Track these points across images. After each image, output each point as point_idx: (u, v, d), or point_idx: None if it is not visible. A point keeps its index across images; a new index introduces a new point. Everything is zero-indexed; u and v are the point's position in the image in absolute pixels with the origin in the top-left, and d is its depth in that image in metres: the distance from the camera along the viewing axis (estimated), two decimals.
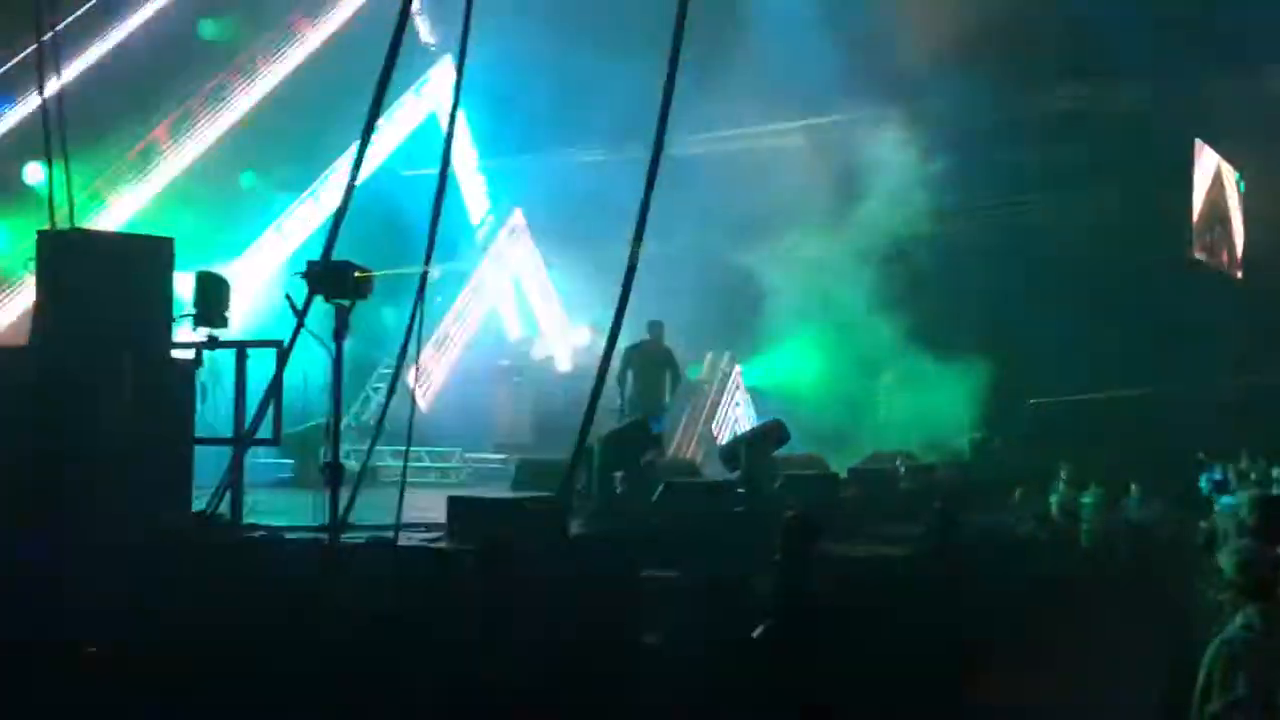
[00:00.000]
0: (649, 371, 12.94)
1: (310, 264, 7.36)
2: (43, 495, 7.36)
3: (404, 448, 8.13)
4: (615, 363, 12.39)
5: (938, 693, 8.37)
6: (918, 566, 9.44)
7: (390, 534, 7.76)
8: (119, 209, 14.14)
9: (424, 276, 7.44)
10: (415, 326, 7.43)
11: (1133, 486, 13.77)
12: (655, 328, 13.14)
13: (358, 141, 7.73)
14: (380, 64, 7.38)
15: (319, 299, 7.32)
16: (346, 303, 7.13)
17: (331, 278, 7.08)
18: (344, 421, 12.13)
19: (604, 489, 9.37)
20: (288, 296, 7.29)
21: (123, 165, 14.40)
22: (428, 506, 8.55)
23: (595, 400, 8.00)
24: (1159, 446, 16.27)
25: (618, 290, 8.13)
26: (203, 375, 8.04)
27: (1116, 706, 9.22)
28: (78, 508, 7.34)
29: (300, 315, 7.10)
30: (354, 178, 7.13)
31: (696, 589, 8.05)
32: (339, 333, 7.12)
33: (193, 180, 15.05)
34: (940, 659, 8.74)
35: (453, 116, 8.04)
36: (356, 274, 7.09)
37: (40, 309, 8.35)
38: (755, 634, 6.02)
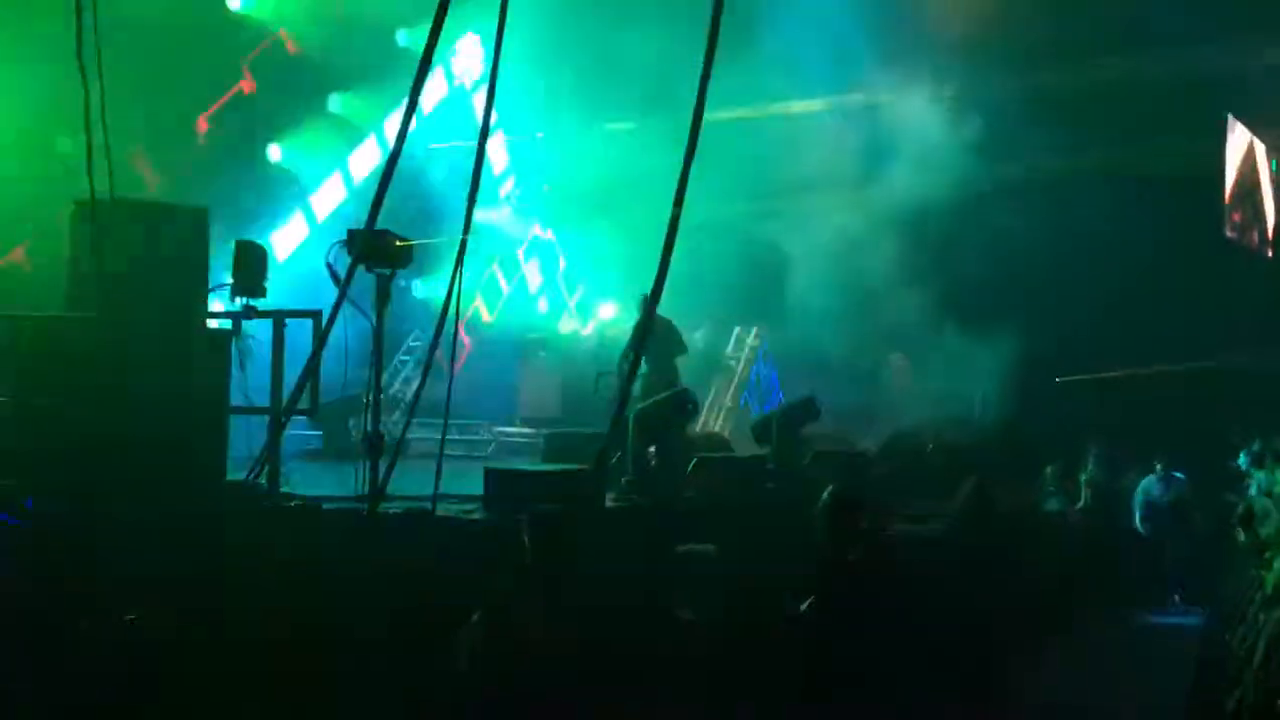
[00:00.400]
0: (656, 347, 12.12)
1: (352, 232, 7.33)
2: (82, 465, 7.39)
3: (432, 420, 8.10)
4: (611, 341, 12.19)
5: (975, 667, 8.40)
6: (954, 543, 9.41)
7: (427, 505, 7.79)
8: (152, 183, 14.12)
9: (463, 245, 7.39)
10: (455, 295, 7.39)
11: (1156, 466, 13.76)
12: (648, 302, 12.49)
13: (400, 111, 7.64)
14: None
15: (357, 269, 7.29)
16: (387, 271, 7.10)
17: (373, 246, 7.05)
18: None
19: (637, 463, 9.35)
20: (329, 265, 7.26)
21: (152, 137, 14.37)
22: (458, 480, 8.56)
23: (634, 373, 7.98)
24: (1189, 425, 16.20)
25: (652, 258, 8.01)
26: (240, 345, 8.02)
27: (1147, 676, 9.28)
28: (116, 476, 7.36)
29: (344, 285, 7.06)
30: (398, 148, 7.07)
31: (731, 563, 8.04)
32: (380, 302, 7.09)
33: (219, 154, 15.02)
34: (978, 634, 8.75)
35: (491, 90, 7.94)
36: (398, 242, 7.05)
37: (76, 279, 8.36)
38: (802, 608, 5.98)
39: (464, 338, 15.06)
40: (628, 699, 6.73)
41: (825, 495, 6.66)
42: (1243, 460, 10.89)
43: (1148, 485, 13.91)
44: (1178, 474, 13.78)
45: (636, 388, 12.06)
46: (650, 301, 8.17)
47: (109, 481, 7.29)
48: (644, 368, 12.08)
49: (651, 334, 12.25)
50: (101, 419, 7.49)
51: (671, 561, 7.87)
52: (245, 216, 13.10)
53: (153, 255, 8.14)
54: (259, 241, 8.59)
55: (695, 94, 7.23)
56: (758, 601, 7.63)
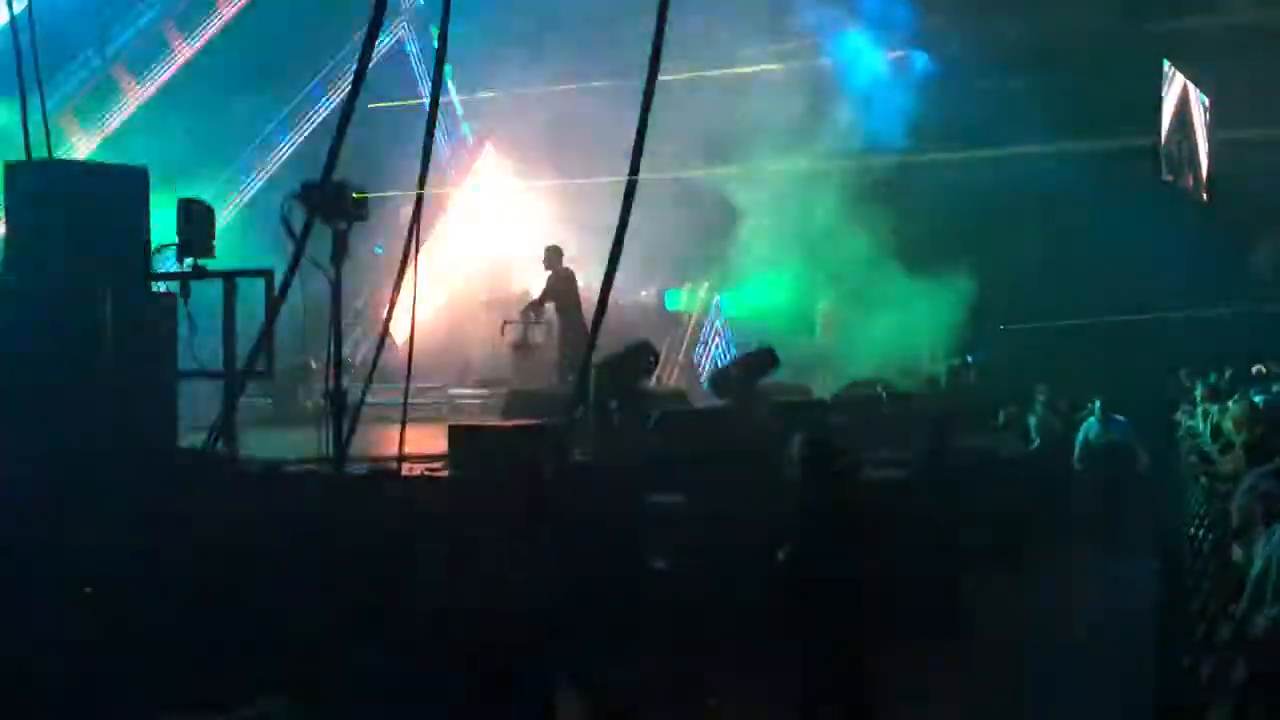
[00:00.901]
0: (566, 300, 12.47)
1: (305, 185, 7.09)
2: (31, 431, 7.15)
3: (382, 385, 7.92)
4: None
5: (938, 602, 8.57)
6: (916, 487, 9.50)
7: (392, 465, 7.65)
8: (83, 142, 13.69)
9: (419, 200, 7.21)
10: (413, 253, 7.20)
11: (1094, 406, 13.86)
12: (556, 254, 12.62)
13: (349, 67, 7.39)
14: None
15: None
16: (344, 225, 6.90)
17: (330, 199, 6.83)
18: (322, 360, 11.96)
19: (601, 417, 9.27)
20: (284, 220, 7.03)
21: (85, 97, 13.93)
22: (416, 440, 8.42)
23: (597, 328, 7.86)
24: (1130, 369, 16.50)
25: (596, 214, 7.93)
26: (191, 307, 7.78)
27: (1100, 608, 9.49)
28: (66, 443, 7.12)
29: (300, 240, 6.84)
30: (351, 106, 6.84)
31: (700, 514, 8.03)
32: (337, 256, 6.89)
33: (157, 111, 14.59)
34: (940, 570, 8.91)
35: (441, 50, 7.72)
36: (354, 194, 6.84)
37: (12, 243, 8.04)
38: (780, 556, 5.97)
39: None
40: (607, 648, 6.71)
41: (797, 441, 6.63)
42: (1199, 392, 11.05)
43: (1087, 427, 13.98)
44: (1118, 417, 13.92)
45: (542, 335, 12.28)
46: (612, 254, 8.06)
47: (56, 450, 7.07)
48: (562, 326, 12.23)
49: (561, 288, 12.40)
50: (44, 386, 7.24)
51: (641, 513, 7.84)
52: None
53: (91, 216, 7.85)
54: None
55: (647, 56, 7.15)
56: (731, 550, 7.64)
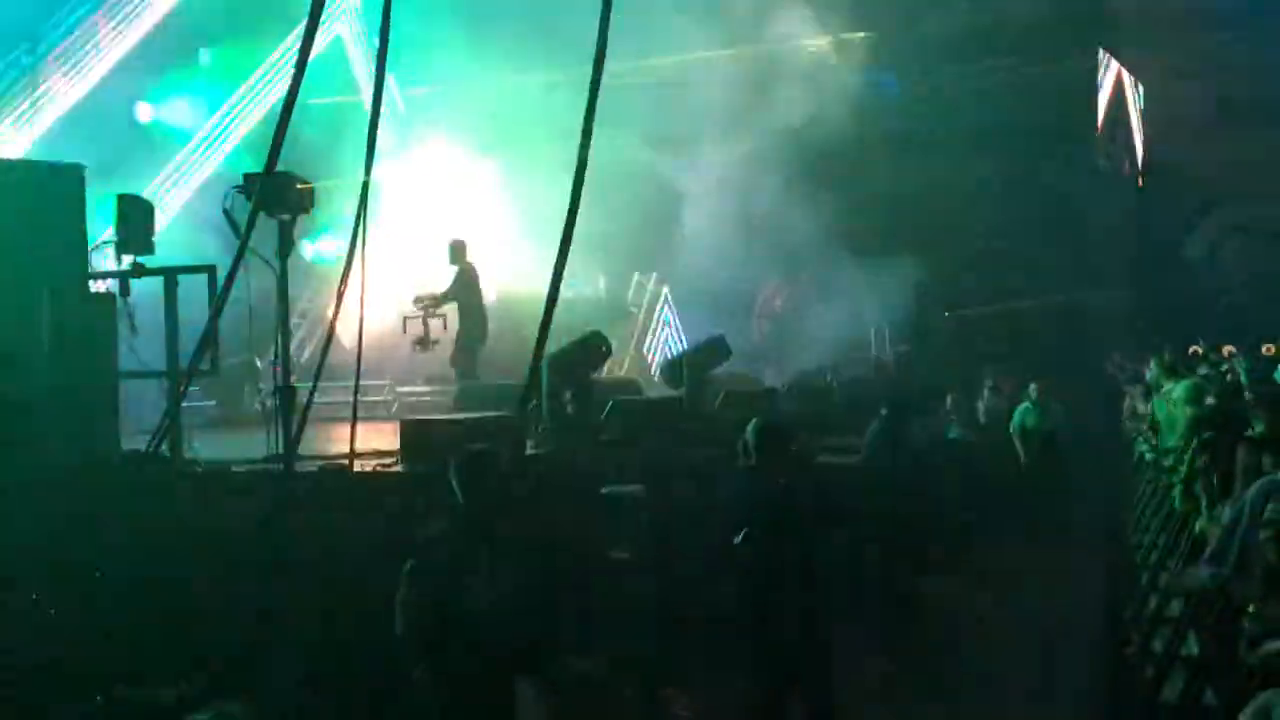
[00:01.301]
0: (468, 295, 12.54)
1: (249, 177, 6.93)
2: None
3: (328, 384, 7.77)
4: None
5: (892, 584, 8.64)
6: (870, 471, 9.55)
7: (343, 462, 7.52)
8: (8, 145, 13.32)
9: (365, 188, 7.08)
10: (360, 246, 7.07)
11: (1031, 388, 13.83)
12: (461, 248, 12.70)
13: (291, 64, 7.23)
14: None
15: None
16: (289, 217, 6.75)
17: (274, 191, 6.68)
18: (267, 359, 11.74)
19: (554, 408, 9.20)
20: (226, 212, 6.86)
21: (8, 99, 13.56)
22: (366, 438, 8.30)
23: (549, 318, 7.79)
24: (1070, 351, 16.76)
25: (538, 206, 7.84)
26: (132, 306, 7.59)
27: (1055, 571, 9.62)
28: (5, 446, 6.91)
29: (244, 234, 6.68)
30: (295, 90, 6.69)
31: (659, 502, 7.99)
32: (283, 249, 6.75)
33: (83, 114, 14.25)
34: (900, 549, 8.97)
35: (384, 38, 7.58)
36: (299, 185, 6.70)
37: None
38: (737, 540, 5.94)
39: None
40: (571, 641, 6.64)
41: (754, 424, 6.62)
42: (1154, 370, 11.19)
43: (1023, 413, 13.67)
44: (1054, 402, 13.88)
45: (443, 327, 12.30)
46: (561, 246, 7.99)
47: None
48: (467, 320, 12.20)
49: (467, 282, 12.39)
50: None
51: (599, 503, 7.78)
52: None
53: (26, 216, 7.64)
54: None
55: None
56: (690, 538, 7.61)
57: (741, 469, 6.77)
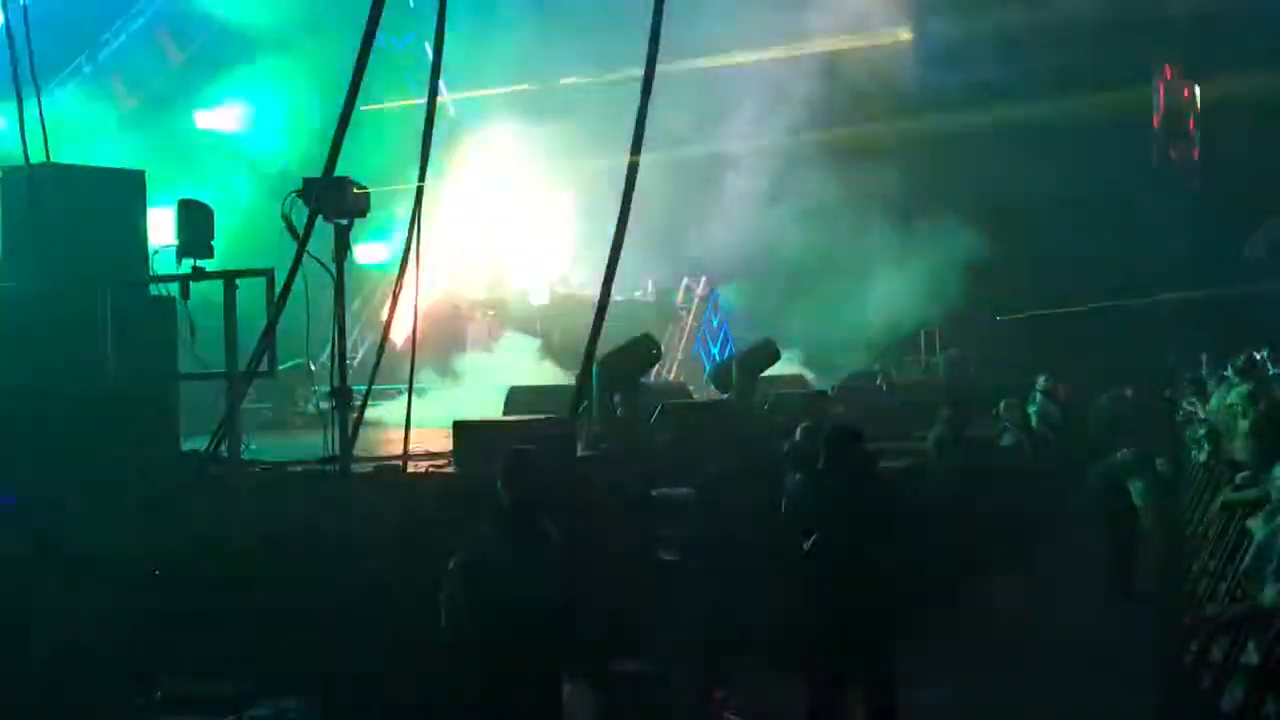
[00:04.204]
0: None
1: (308, 182, 7.04)
2: (33, 435, 7.10)
3: (385, 386, 7.85)
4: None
5: (954, 590, 8.58)
6: (933, 473, 9.53)
7: (396, 464, 7.60)
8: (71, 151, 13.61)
9: (419, 193, 7.16)
10: (414, 247, 7.15)
11: (1040, 380, 13.64)
12: None
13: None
14: None
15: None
16: (345, 221, 6.85)
17: (331, 195, 6.77)
18: (320, 361, 11.88)
19: (604, 411, 9.22)
20: (284, 217, 6.97)
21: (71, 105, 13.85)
22: (416, 439, 8.39)
23: (600, 320, 7.83)
24: (1128, 354, 16.50)
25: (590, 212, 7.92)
26: (193, 309, 7.73)
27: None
28: (69, 446, 7.07)
29: (302, 239, 6.78)
30: (353, 97, 6.79)
31: (709, 504, 8.00)
32: (339, 254, 6.84)
33: (133, 122, 14.57)
34: (955, 558, 8.92)
35: (438, 46, 7.68)
36: (355, 189, 6.79)
37: (11, 247, 8.00)
38: (807, 546, 5.95)
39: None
40: (621, 642, 6.68)
41: (800, 431, 6.62)
42: (1230, 372, 11.11)
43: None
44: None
45: None
46: (613, 247, 8.05)
47: (59, 454, 7.02)
48: None
49: None
50: (44, 390, 7.19)
51: (649, 506, 7.80)
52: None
53: (89, 219, 7.82)
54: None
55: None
56: (740, 541, 7.62)
57: (807, 470, 6.78)
